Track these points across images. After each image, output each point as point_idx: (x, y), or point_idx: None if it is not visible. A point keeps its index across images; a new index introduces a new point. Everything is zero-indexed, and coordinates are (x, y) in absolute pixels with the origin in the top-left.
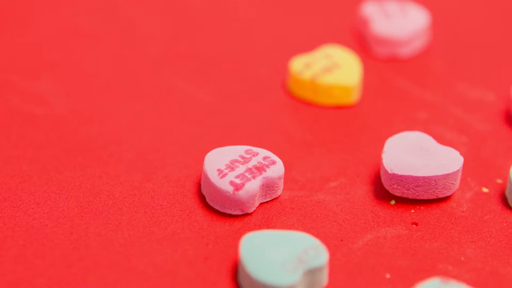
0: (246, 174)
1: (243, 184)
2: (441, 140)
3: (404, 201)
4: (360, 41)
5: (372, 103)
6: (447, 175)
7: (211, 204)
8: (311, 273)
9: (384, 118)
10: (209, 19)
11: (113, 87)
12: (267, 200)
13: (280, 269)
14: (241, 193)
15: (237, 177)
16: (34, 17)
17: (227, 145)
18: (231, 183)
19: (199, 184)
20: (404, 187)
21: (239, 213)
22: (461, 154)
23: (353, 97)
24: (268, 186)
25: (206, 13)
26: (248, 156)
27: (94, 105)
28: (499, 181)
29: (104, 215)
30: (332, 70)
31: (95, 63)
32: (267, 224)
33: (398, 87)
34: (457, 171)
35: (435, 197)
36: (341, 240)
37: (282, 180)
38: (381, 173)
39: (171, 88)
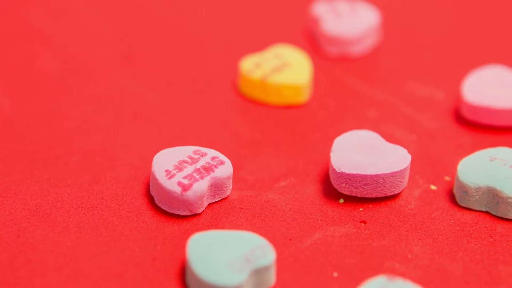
0: (194, 174)
1: (191, 185)
2: (391, 138)
3: (353, 200)
4: (311, 40)
5: (322, 102)
6: (395, 173)
7: (160, 205)
8: (258, 273)
9: (334, 117)
10: (159, 19)
11: (61, 88)
12: (216, 200)
13: (226, 269)
14: (189, 193)
15: (185, 177)
16: None
17: (177, 146)
18: (179, 183)
19: (148, 185)
20: (352, 185)
21: (188, 213)
22: (410, 152)
23: (303, 96)
24: (216, 186)
25: (156, 13)
26: (197, 156)
27: (41, 107)
28: (447, 178)
29: (51, 218)
30: (282, 69)
31: (43, 64)
32: (216, 224)
33: (348, 86)
34: (405, 169)
35: (384, 195)
36: (290, 239)
37: (231, 180)
38: (330, 172)
39: (120, 89)
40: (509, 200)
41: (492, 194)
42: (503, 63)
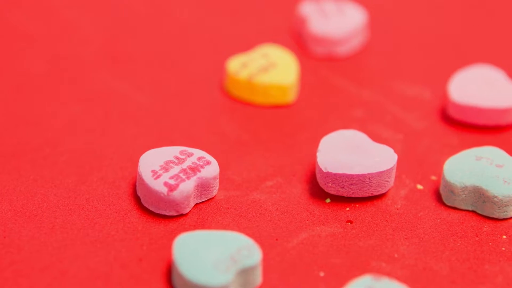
0: (181, 174)
1: (177, 185)
2: (377, 138)
3: (339, 199)
4: (298, 40)
5: (309, 102)
6: (381, 172)
7: (146, 206)
8: (244, 273)
9: (321, 117)
10: (146, 19)
11: (48, 88)
12: (203, 200)
13: (212, 269)
14: (176, 193)
15: (171, 178)
16: None
17: (163, 146)
18: (165, 184)
19: (135, 186)
20: (338, 185)
21: (174, 214)
22: (397, 151)
23: (290, 96)
24: (203, 187)
25: (143, 13)
26: (183, 156)
27: (28, 107)
28: (433, 177)
29: (37, 218)
30: (268, 69)
31: (30, 64)
32: (202, 224)
33: (335, 85)
34: (391, 168)
35: (370, 195)
36: (276, 239)
37: (217, 180)
38: (316, 171)
39: (107, 89)
40: (495, 199)
41: (478, 193)
42: (490, 62)
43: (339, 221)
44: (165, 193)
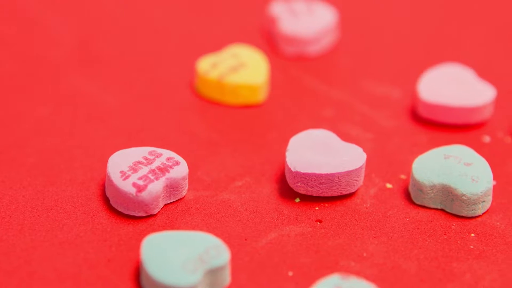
0: (149, 175)
1: (146, 186)
2: (347, 137)
3: (309, 199)
4: (269, 40)
5: (279, 101)
6: (350, 172)
7: (115, 207)
8: (213, 273)
9: (291, 117)
10: (115, 20)
11: (17, 89)
12: (172, 201)
13: (180, 270)
14: (144, 194)
15: (140, 178)
16: None
17: (133, 147)
18: (134, 184)
19: (104, 187)
20: (307, 184)
21: (143, 214)
22: (366, 150)
23: (260, 96)
24: (172, 187)
25: (112, 14)
26: (152, 157)
27: None
28: (402, 176)
29: (6, 220)
30: (238, 69)
31: (0, 65)
32: (172, 225)
33: (305, 85)
34: (360, 167)
35: (339, 194)
36: (245, 239)
37: (187, 180)
38: (286, 171)
39: (76, 90)
40: (463, 197)
41: (447, 192)
42: (459, 61)
43: (308, 221)
44: (134, 194)
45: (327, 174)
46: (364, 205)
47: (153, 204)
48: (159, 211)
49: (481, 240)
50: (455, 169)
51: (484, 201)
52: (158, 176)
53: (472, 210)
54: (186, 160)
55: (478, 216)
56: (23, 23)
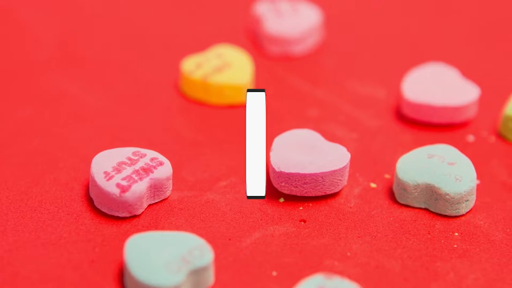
0: (133, 176)
1: (129, 186)
2: (332, 136)
3: (293, 199)
4: (253, 40)
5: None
6: (334, 171)
7: (99, 207)
8: (196, 273)
9: (275, 117)
10: (98, 20)
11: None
12: (156, 201)
13: (163, 270)
14: (128, 195)
15: (123, 179)
16: None
17: (117, 147)
18: (118, 185)
19: (88, 187)
20: (292, 184)
21: (127, 215)
22: (351, 150)
23: (245, 96)
24: (156, 187)
25: (95, 14)
26: (136, 157)
27: None
28: (387, 176)
29: None
30: (223, 69)
31: None
32: (156, 225)
33: (290, 85)
34: (344, 167)
35: (323, 194)
36: (229, 239)
37: (171, 181)
38: (270, 171)
39: (60, 90)
40: (447, 196)
41: (431, 191)
42: (443, 60)
43: (292, 221)
44: (117, 195)
45: (311, 174)
46: (348, 205)
47: (137, 204)
48: (143, 212)
49: (464, 239)
50: (438, 168)
51: (467, 200)
52: (142, 177)
53: (456, 209)
54: (170, 160)
55: (462, 215)
56: (4, 24)
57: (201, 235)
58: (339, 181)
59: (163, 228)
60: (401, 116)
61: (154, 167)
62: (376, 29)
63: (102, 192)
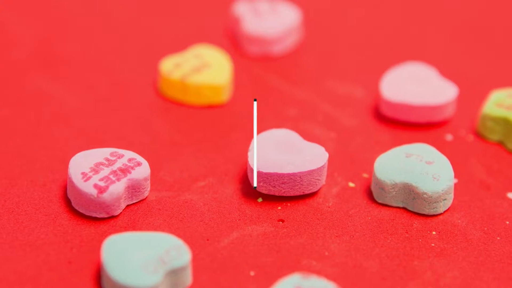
0: (111, 176)
1: (107, 187)
2: (310, 136)
3: (271, 199)
4: (232, 40)
5: (243, 101)
6: (312, 171)
7: (77, 208)
8: (174, 274)
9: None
10: (77, 20)
11: None
12: (134, 202)
13: (140, 271)
14: (105, 195)
15: (101, 179)
16: None
17: (95, 148)
18: (95, 186)
19: (65, 188)
20: (270, 184)
21: (105, 216)
22: (329, 149)
23: (223, 96)
24: (133, 188)
25: (74, 14)
26: (113, 158)
27: None
28: (365, 175)
29: None
30: (201, 70)
31: None
32: (133, 226)
33: (269, 85)
34: (322, 167)
35: (302, 193)
36: (207, 240)
37: (148, 181)
38: (248, 171)
39: (37, 91)
40: (425, 195)
41: (408, 190)
42: (421, 59)
43: (270, 220)
44: (95, 195)
45: (289, 173)
46: (327, 204)
47: (115, 205)
48: (121, 212)
49: (442, 238)
50: (416, 167)
51: (445, 199)
52: (119, 177)
53: (434, 208)
54: (148, 161)
55: (440, 214)
56: None
57: (179, 235)
58: (317, 180)
59: (141, 228)
60: (379, 116)
61: (132, 168)
62: (354, 28)
63: (79, 193)
